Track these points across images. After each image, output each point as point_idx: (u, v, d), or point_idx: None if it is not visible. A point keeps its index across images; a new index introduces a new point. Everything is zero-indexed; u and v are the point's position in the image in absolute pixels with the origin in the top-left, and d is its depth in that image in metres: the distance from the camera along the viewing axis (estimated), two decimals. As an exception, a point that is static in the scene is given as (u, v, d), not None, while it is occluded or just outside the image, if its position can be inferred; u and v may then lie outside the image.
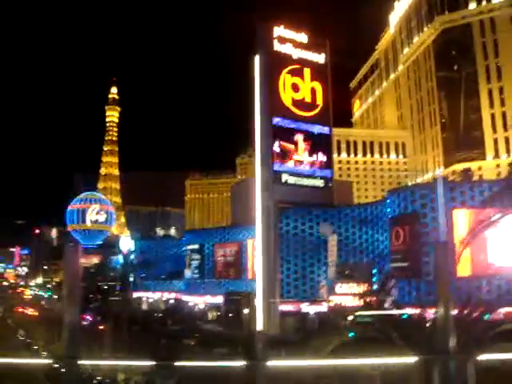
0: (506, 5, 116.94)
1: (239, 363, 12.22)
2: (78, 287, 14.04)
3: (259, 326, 39.00)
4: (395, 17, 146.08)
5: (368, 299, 34.63)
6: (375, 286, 41.14)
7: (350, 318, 33.36)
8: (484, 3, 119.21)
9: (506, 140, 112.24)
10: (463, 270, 39.33)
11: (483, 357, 8.67)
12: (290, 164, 47.99)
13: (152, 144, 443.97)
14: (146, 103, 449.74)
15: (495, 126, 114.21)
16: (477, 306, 16.04)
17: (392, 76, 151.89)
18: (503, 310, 28.69)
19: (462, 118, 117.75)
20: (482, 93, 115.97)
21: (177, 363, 12.42)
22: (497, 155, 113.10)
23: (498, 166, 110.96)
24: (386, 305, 33.08)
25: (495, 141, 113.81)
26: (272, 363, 11.98)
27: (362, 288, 40.97)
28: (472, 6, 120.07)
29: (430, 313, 15.10)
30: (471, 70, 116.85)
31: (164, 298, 73.97)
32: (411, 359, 8.14)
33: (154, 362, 12.67)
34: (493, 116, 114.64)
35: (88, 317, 48.67)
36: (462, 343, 8.34)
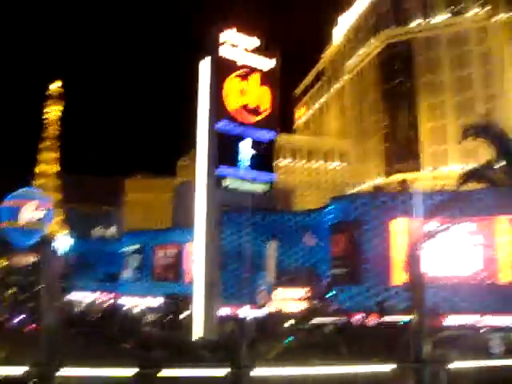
0: (446, 24, 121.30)
1: (222, 371, 11.99)
2: (56, 291, 13.51)
3: (197, 329, 38.62)
4: (342, 27, 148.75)
5: (312, 304, 35.01)
6: (316, 292, 41.63)
7: (290, 322, 33.53)
8: (426, 21, 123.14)
9: (443, 153, 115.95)
10: (398, 278, 40.18)
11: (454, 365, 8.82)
12: (233, 168, 47.75)
13: (93, 142, 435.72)
14: (88, 101, 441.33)
15: (433, 139, 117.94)
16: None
17: (337, 85, 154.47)
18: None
19: (402, 130, 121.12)
20: (422, 106, 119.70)
21: (160, 373, 12.04)
22: (434, 167, 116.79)
23: (434, 177, 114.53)
24: (330, 310, 33.53)
25: (432, 154, 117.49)
26: (257, 371, 11.79)
27: (302, 293, 41.32)
28: (415, 22, 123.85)
29: (372, 319, 15.34)
30: (413, 84, 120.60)
31: (101, 300, 72.52)
32: (386, 367, 8.12)
33: (136, 371, 12.17)
34: (431, 129, 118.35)
35: (19, 317, 47.06)
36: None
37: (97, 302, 73.04)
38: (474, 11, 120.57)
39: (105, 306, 70.75)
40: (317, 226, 49.19)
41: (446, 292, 39.60)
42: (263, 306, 42.97)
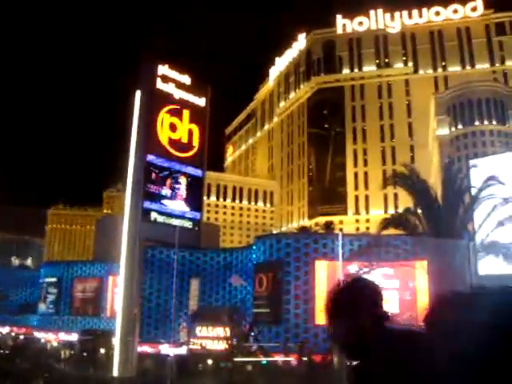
0: (374, 75, 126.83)
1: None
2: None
3: (115, 367, 37.66)
4: (275, 71, 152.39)
5: (233, 343, 34.89)
6: (237, 331, 41.50)
7: (211, 361, 33.26)
8: (356, 70, 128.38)
9: (366, 198, 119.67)
10: (320, 318, 40.77)
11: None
12: (160, 203, 47.73)
13: (17, 167, 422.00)
14: (15, 128, 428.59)
15: (357, 184, 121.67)
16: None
17: (266, 127, 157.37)
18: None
19: (328, 174, 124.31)
20: (347, 152, 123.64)
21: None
22: (357, 211, 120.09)
23: (357, 221, 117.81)
24: (252, 350, 33.49)
25: (356, 198, 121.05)
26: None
27: (224, 332, 41.14)
28: (346, 71, 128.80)
29: (292, 359, 15.68)
30: (340, 130, 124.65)
31: (13, 333, 69.27)
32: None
33: None
34: (356, 175, 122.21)
35: None
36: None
37: (8, 335, 69.77)
38: (399, 66, 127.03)
39: (18, 339, 67.70)
40: (241, 264, 49.38)
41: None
42: (184, 343, 42.43)
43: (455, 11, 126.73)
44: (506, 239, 24.88)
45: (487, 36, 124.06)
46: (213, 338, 41.29)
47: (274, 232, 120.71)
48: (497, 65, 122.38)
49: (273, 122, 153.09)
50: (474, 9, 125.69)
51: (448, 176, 26.75)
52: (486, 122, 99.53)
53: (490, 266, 30.58)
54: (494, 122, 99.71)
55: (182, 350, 41.98)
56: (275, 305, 42.50)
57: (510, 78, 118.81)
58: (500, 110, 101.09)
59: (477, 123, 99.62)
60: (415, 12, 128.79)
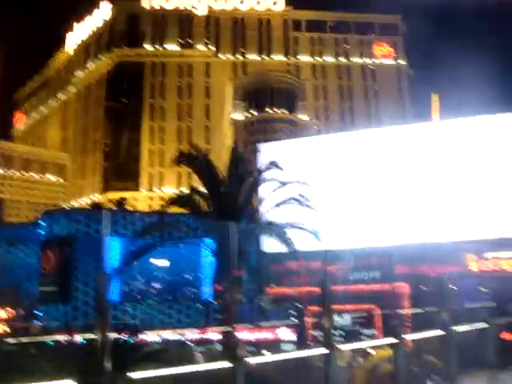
0: (176, 54, 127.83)
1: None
2: None
3: None
4: (74, 37, 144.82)
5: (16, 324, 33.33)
6: (21, 311, 39.72)
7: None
8: (158, 47, 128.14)
9: (160, 175, 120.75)
10: (114, 294, 40.71)
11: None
12: None
13: None
14: None
15: (152, 161, 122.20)
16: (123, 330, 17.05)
17: (61, 96, 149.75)
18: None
19: (123, 149, 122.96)
20: (144, 128, 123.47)
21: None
22: (151, 188, 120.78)
23: (150, 198, 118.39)
24: (35, 330, 32.27)
25: (150, 175, 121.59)
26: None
27: (6, 313, 39.12)
28: (147, 46, 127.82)
29: (78, 337, 15.72)
30: (138, 106, 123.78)
31: None
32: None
33: None
34: (151, 152, 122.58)
35: None
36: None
37: None
38: (202, 48, 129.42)
39: None
40: (27, 240, 47.13)
41: (150, 308, 41.64)
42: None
43: (258, 2, 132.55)
44: (280, 220, 27.30)
45: (285, 30, 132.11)
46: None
47: (66, 207, 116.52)
48: (291, 58, 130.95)
49: (69, 91, 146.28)
50: (275, 3, 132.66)
51: (233, 158, 28.50)
52: (277, 110, 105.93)
53: (271, 245, 33.08)
54: (285, 111, 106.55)
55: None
56: (63, 282, 41.47)
57: (302, 71, 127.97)
58: (291, 100, 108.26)
59: (269, 110, 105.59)
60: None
